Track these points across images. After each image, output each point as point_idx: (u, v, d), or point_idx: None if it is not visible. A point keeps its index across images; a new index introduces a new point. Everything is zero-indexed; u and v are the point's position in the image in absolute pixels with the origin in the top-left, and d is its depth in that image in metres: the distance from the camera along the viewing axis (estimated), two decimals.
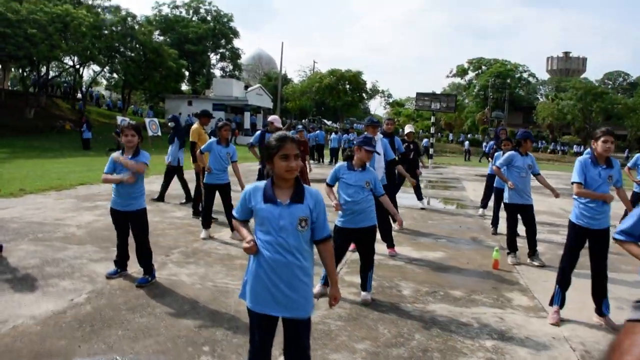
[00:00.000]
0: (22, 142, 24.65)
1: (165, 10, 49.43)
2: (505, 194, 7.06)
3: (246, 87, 42.81)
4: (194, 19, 50.06)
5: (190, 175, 10.03)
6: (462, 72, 67.82)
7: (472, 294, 5.52)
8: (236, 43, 52.34)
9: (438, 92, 80.00)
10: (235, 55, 52.13)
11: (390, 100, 65.41)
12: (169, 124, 10.68)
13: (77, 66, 35.72)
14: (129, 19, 34.59)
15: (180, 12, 50.16)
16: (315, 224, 2.71)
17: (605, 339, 4.39)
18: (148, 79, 37.13)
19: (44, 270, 5.45)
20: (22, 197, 10.22)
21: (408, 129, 11.40)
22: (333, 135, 25.32)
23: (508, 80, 60.57)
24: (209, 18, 50.27)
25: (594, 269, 4.85)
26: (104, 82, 49.95)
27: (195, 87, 50.14)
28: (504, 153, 8.93)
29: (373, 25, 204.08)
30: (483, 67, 65.14)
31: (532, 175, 7.03)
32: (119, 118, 26.37)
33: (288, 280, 2.66)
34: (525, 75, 62.90)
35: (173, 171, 10.33)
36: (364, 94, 54.45)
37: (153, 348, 3.76)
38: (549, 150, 46.84)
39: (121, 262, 5.41)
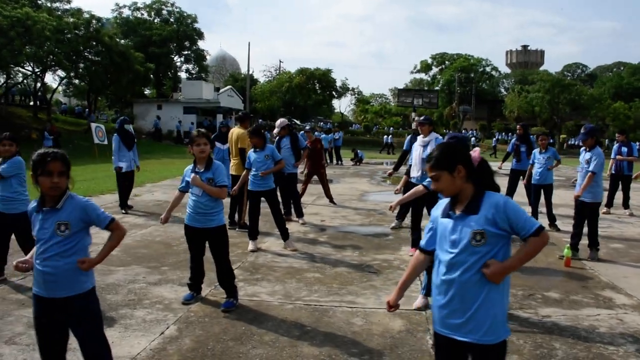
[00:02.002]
0: None
1: (126, 12, 47.74)
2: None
3: (217, 89, 41.80)
4: (156, 20, 48.49)
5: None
6: (426, 67, 68.34)
7: (569, 295, 5.26)
8: (200, 44, 51.00)
9: (400, 88, 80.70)
10: (200, 57, 50.76)
11: (360, 98, 65.34)
12: (125, 126, 10.03)
13: (38, 72, 33.97)
14: (93, 21, 33.10)
15: (142, 14, 48.48)
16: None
17: None
18: (114, 83, 35.74)
19: (105, 299, 4.82)
20: None
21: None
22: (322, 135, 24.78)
23: (472, 75, 61.43)
24: (171, 20, 48.77)
25: None
26: (61, 88, 47.94)
27: (162, 91, 48.65)
28: (541, 149, 8.73)
29: (331, 22, 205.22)
30: (446, 62, 65.86)
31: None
32: (93, 125, 25.23)
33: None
34: (488, 69, 63.99)
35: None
36: (334, 92, 54.18)
37: None
38: None
39: (196, 284, 4.85)
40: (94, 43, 32.76)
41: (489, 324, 2.31)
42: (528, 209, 8.86)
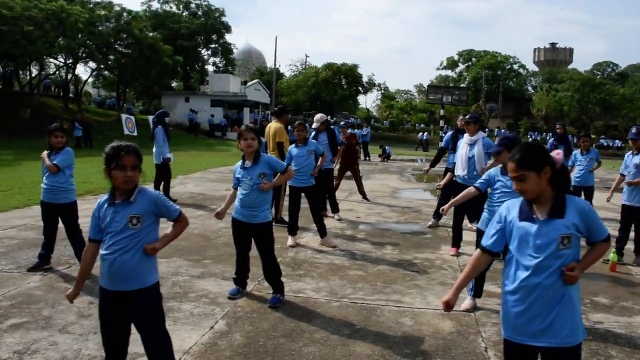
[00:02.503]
0: (22, 144, 23.64)
1: (155, 5, 48.23)
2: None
3: (244, 82, 41.97)
4: (184, 14, 48.88)
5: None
6: (452, 64, 67.49)
7: (619, 301, 5.11)
8: (227, 38, 51.25)
9: (425, 84, 79.67)
10: (227, 50, 51.03)
11: (386, 93, 64.94)
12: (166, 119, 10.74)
13: (70, 64, 34.53)
14: (124, 14, 33.53)
15: (171, 8, 48.91)
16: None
17: None
18: (143, 75, 36.15)
19: None
20: None
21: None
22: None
23: (499, 72, 60.51)
24: (199, 13, 49.11)
25: None
26: (90, 80, 48.64)
27: (190, 84, 49.03)
28: (583, 150, 8.56)
29: (354, 16, 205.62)
30: (473, 59, 64.96)
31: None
32: (123, 116, 25.54)
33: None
34: (515, 67, 62.93)
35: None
36: (360, 88, 53.95)
37: None
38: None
39: (242, 279, 4.85)
40: (124, 35, 33.15)
41: (570, 326, 2.33)
42: None
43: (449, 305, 2.57)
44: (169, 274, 5.42)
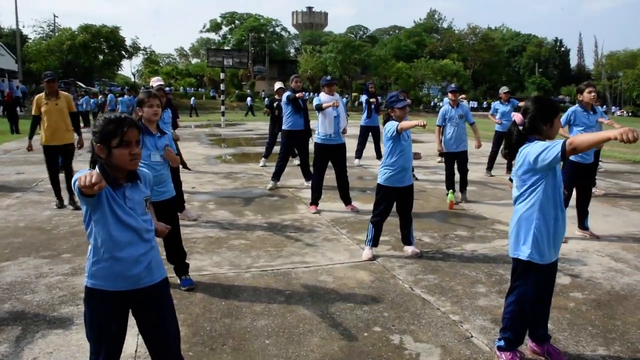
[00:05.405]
0: None
1: None
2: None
3: None
4: None
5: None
6: (215, 26, 67.13)
7: (474, 232, 6.00)
8: None
9: (187, 48, 77.93)
10: None
11: (151, 57, 61.36)
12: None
13: None
14: None
15: None
16: None
17: None
18: None
19: (29, 301, 3.97)
20: None
21: (279, 85, 11.05)
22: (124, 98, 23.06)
23: (262, 35, 62.33)
24: None
25: None
26: None
27: None
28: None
29: None
30: (237, 22, 65.57)
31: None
32: None
33: None
34: (278, 29, 65.52)
35: None
36: (123, 52, 49.92)
37: (330, 347, 3.22)
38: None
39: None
40: None
41: None
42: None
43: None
44: (32, 276, 4.46)
